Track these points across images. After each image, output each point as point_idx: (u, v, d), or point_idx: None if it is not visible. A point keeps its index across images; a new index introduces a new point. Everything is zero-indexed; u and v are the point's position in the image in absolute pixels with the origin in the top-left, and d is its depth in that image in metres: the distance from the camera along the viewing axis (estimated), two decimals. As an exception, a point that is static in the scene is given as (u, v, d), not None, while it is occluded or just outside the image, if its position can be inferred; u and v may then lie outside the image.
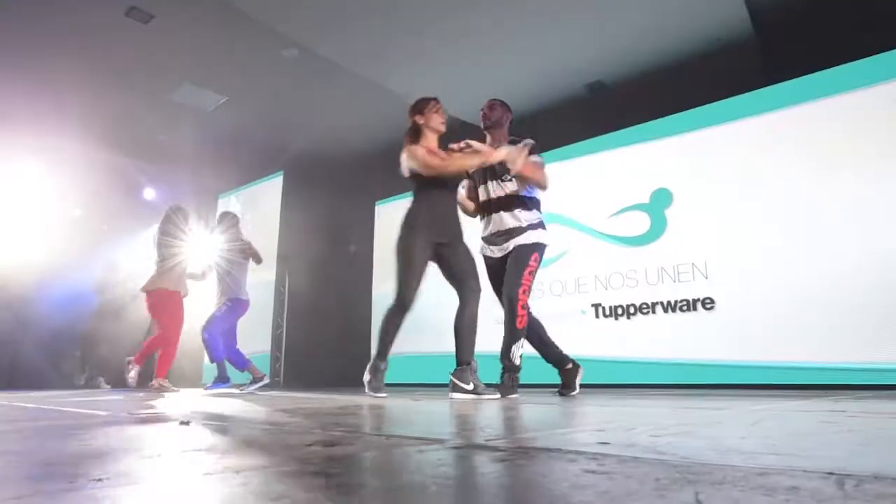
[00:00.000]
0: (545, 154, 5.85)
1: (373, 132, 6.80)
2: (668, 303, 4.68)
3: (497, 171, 3.17)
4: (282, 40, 5.03)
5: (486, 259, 3.25)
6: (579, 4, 4.55)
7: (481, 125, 3.34)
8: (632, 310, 4.90)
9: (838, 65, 4.21)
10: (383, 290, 6.97)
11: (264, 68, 5.52)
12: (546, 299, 5.53)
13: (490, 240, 3.21)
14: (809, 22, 4.45)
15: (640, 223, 4.98)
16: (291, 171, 7.43)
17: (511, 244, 3.11)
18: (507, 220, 3.13)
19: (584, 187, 5.50)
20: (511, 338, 3.02)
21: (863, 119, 4.02)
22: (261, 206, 7.55)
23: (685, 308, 4.60)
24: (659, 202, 4.91)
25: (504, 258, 3.15)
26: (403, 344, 3.29)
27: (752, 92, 4.60)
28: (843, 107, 4.14)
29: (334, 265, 7.47)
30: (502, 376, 3.04)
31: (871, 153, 3.93)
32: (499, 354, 3.07)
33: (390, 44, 5.10)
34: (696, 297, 4.55)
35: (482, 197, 3.26)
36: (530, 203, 3.18)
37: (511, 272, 3.05)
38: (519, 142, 3.15)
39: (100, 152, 6.63)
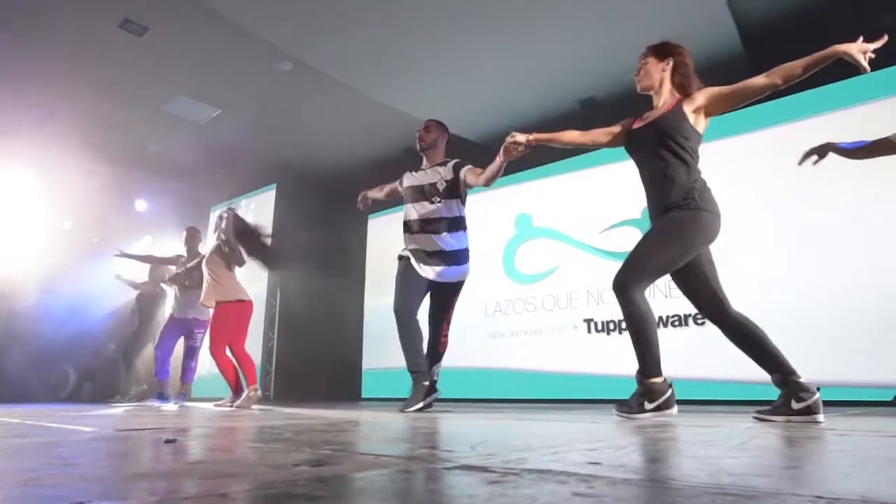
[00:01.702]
0: (540, 168, 5.88)
1: (366, 144, 6.82)
2: (660, 318, 4.68)
3: (426, 192, 3.30)
4: (275, 53, 5.05)
5: (410, 269, 3.29)
6: (573, 21, 4.60)
7: (417, 146, 3.47)
8: (624, 325, 4.90)
9: (830, 82, 4.26)
10: (375, 303, 6.95)
11: (258, 81, 5.54)
12: (538, 314, 5.53)
13: (418, 256, 3.28)
14: (799, 40, 4.51)
15: (631, 238, 4.99)
16: (284, 184, 7.43)
17: (441, 275, 3.23)
18: (435, 241, 3.25)
19: (577, 202, 5.53)
20: (435, 359, 3.27)
21: (857, 134, 4.06)
22: (253, 219, 7.53)
23: (677, 323, 4.60)
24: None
25: (430, 281, 3.26)
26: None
27: (743, 108, 4.64)
28: (836, 123, 4.19)
29: (326, 278, 7.44)
30: (418, 387, 3.19)
31: (868, 169, 3.96)
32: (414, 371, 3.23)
33: (384, 57, 5.13)
34: (687, 313, 4.56)
35: (409, 216, 3.38)
36: (456, 225, 3.30)
37: (439, 307, 3.28)
38: (449, 163, 3.35)
39: (92, 163, 6.61)
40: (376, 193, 3.69)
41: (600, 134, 2.65)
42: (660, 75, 2.52)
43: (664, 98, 2.49)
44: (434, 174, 3.35)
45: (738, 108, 2.45)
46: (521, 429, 2.00)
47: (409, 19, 4.61)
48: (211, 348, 4.32)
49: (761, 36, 4.67)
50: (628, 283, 2.25)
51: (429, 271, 3.23)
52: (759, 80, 2.27)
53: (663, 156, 2.34)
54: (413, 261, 3.29)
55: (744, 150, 4.60)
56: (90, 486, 0.82)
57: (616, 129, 2.60)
